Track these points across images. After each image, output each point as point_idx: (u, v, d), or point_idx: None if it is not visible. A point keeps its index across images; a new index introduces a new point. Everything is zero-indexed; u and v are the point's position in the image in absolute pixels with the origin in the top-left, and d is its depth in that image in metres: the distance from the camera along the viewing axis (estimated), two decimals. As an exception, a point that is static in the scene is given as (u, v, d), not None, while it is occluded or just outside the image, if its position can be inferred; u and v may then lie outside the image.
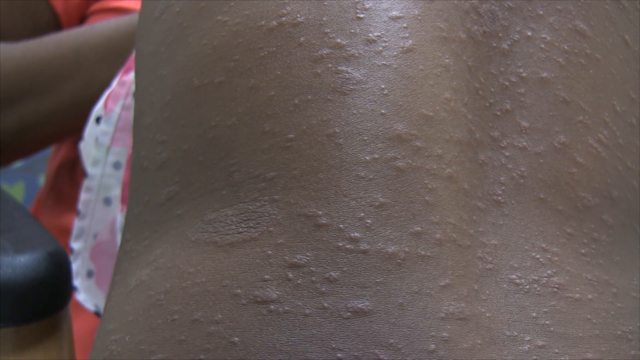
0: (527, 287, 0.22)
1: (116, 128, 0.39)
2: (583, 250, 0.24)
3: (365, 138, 0.21)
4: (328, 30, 0.23)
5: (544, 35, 0.25)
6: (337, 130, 0.21)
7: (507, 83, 0.24)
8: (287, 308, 0.20)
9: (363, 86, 0.22)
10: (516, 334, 0.21)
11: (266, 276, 0.20)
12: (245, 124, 0.22)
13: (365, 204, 0.21)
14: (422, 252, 0.21)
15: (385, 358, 0.19)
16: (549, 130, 0.24)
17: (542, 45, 0.25)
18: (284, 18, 0.23)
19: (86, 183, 0.39)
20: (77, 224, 0.40)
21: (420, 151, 0.22)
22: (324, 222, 0.21)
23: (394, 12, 0.23)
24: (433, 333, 0.20)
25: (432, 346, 0.20)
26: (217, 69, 0.23)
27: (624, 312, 0.24)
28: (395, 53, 0.22)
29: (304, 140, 0.22)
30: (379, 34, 0.23)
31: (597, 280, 0.24)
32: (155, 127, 0.25)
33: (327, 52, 0.22)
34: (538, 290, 0.22)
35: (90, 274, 0.40)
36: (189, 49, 0.24)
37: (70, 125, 0.48)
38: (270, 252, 0.21)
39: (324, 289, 0.20)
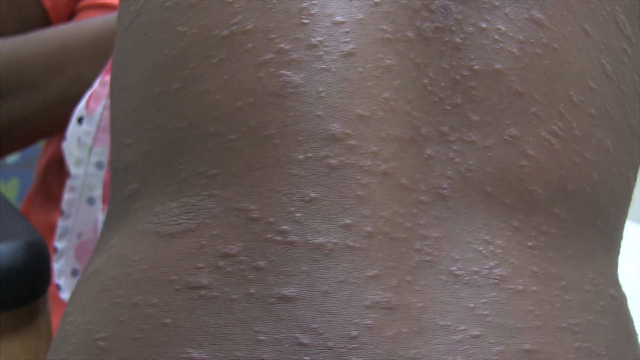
0: (467, 278, 0.23)
1: (98, 128, 0.40)
2: (530, 243, 0.24)
3: (300, 138, 0.22)
4: (274, 36, 0.23)
5: (498, 26, 0.25)
6: (274, 132, 0.22)
7: (458, 77, 0.25)
8: (216, 294, 0.21)
9: (302, 89, 0.23)
10: (450, 323, 0.22)
11: (199, 264, 0.22)
12: (195, 126, 0.24)
13: (296, 199, 0.22)
14: (351, 244, 0.22)
15: (306, 342, 0.20)
16: (499, 124, 0.24)
17: (496, 37, 0.25)
18: (235, 27, 0.24)
19: (69, 183, 0.41)
20: (60, 224, 0.41)
21: (354, 149, 0.22)
22: (256, 215, 0.22)
23: (337, 18, 0.24)
24: (356, 320, 0.21)
25: (355, 332, 0.20)
26: (175, 76, 0.25)
27: (573, 304, 0.24)
28: (335, 57, 0.23)
29: (244, 141, 0.23)
30: (321, 38, 0.23)
31: (543, 273, 0.24)
32: (123, 131, 0.27)
33: (270, 57, 0.23)
34: (478, 282, 0.23)
35: (75, 273, 0.41)
36: (153, 58, 0.26)
37: (57, 122, 0.48)
38: (204, 242, 0.22)
39: (251, 276, 0.21)
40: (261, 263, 0.21)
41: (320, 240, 0.21)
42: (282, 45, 0.23)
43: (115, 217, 0.26)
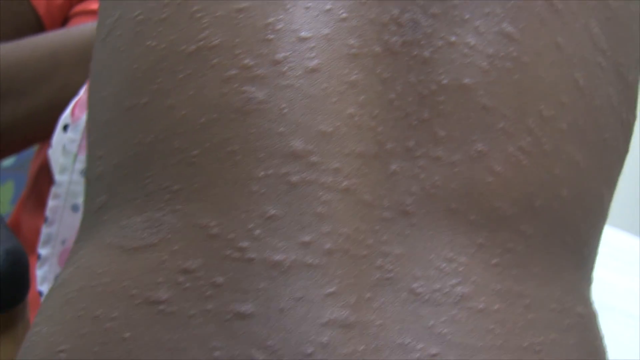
0: (427, 296, 0.22)
1: (83, 136, 0.41)
2: (494, 261, 0.24)
3: (261, 155, 0.22)
4: (239, 51, 0.24)
5: (468, 40, 0.25)
6: (236, 148, 0.23)
7: (425, 92, 0.24)
8: (174, 309, 0.21)
9: (264, 106, 0.23)
10: (408, 341, 0.22)
11: (159, 279, 0.22)
12: (161, 141, 0.24)
13: (255, 216, 0.22)
14: (309, 261, 0.22)
15: (260, 358, 0.20)
16: (466, 139, 0.24)
17: (466, 51, 0.25)
18: (201, 42, 0.24)
19: (54, 190, 0.41)
20: (44, 230, 0.42)
21: (316, 166, 0.22)
22: (216, 232, 0.22)
23: (302, 33, 0.24)
24: (312, 337, 0.21)
25: (310, 350, 0.20)
26: (144, 90, 0.25)
27: (536, 323, 0.24)
28: (299, 73, 0.23)
29: (206, 157, 0.23)
30: (286, 54, 0.23)
31: (506, 291, 0.23)
32: (96, 143, 0.27)
33: (234, 73, 0.23)
34: (439, 300, 0.22)
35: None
36: (124, 72, 0.26)
37: (47, 127, 0.48)
38: (165, 257, 0.22)
39: (209, 292, 0.21)
40: (219, 279, 0.21)
41: (279, 257, 0.21)
42: (247, 61, 0.23)
43: (86, 228, 0.26)
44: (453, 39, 0.25)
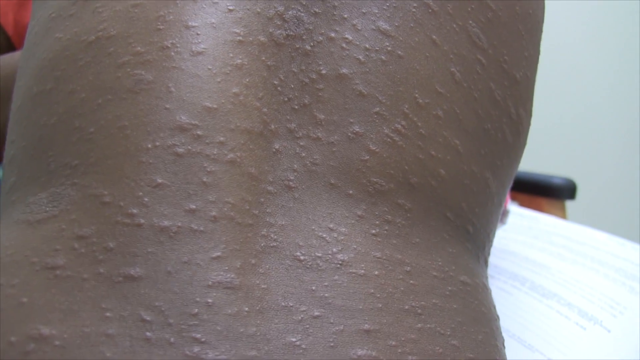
0: (310, 263, 0.24)
1: None
2: (374, 231, 0.25)
3: (149, 129, 0.24)
4: (132, 40, 0.25)
5: (346, 36, 0.27)
6: (127, 123, 0.24)
7: (306, 80, 0.26)
8: (69, 273, 0.22)
9: (153, 85, 0.24)
10: (291, 304, 0.23)
11: (57, 246, 0.23)
12: (63, 122, 0.25)
13: (144, 184, 0.23)
14: (195, 227, 0.23)
15: (148, 318, 0.21)
16: (343, 122, 0.26)
17: (344, 45, 0.27)
18: (100, 33, 0.26)
19: None
20: None
21: (201, 139, 0.24)
22: (108, 200, 0.23)
23: (190, 22, 0.26)
24: (197, 299, 0.21)
25: (195, 310, 0.21)
26: (49, 77, 0.26)
27: (418, 289, 0.25)
28: (185, 57, 0.25)
29: (101, 133, 0.24)
30: (173, 41, 0.25)
31: (387, 259, 0.25)
32: (10, 129, 0.29)
33: (127, 59, 0.25)
34: (321, 266, 0.24)
35: None
36: (35, 63, 0.28)
37: None
38: (64, 226, 0.23)
39: (101, 257, 0.22)
40: (111, 244, 0.22)
41: (166, 223, 0.23)
42: (138, 48, 0.25)
43: (0, 211, 0.27)
44: (332, 34, 0.27)
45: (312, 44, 0.27)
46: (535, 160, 1.46)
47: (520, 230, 0.64)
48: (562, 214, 0.88)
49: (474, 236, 0.29)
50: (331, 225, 0.25)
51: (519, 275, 0.53)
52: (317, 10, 0.27)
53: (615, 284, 0.49)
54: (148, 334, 0.21)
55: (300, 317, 0.22)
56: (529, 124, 0.33)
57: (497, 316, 0.28)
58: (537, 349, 0.42)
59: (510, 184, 0.33)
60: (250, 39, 0.26)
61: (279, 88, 0.26)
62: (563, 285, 0.49)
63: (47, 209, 0.24)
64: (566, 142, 1.54)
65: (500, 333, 0.28)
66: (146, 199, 0.23)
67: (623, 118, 1.51)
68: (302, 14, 0.27)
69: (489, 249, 0.32)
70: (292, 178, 0.25)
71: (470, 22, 0.29)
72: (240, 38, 0.26)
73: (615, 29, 1.49)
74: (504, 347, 0.28)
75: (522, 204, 0.91)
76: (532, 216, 0.69)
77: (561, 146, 1.54)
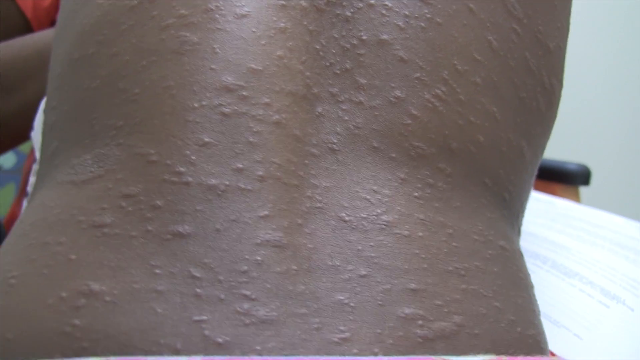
0: (355, 223, 0.24)
1: None
2: (416, 194, 0.25)
3: (195, 89, 0.24)
4: (175, 4, 0.26)
5: (385, 3, 0.27)
6: (172, 84, 0.24)
7: (347, 45, 0.26)
8: (117, 231, 0.22)
9: (198, 47, 0.25)
10: (338, 264, 0.23)
11: (104, 205, 0.23)
12: (106, 84, 0.25)
13: (191, 143, 0.23)
14: (243, 186, 0.23)
15: (198, 275, 0.21)
16: (385, 87, 0.26)
17: (383, 11, 0.27)
18: None
19: (34, 167, 0.43)
20: (25, 205, 0.43)
21: (247, 99, 0.24)
22: (154, 159, 0.23)
23: None
24: (247, 256, 0.22)
25: (245, 267, 0.22)
26: (91, 42, 0.27)
27: (460, 251, 0.25)
28: (230, 19, 0.25)
29: (146, 94, 0.24)
30: (217, 4, 0.25)
31: (429, 221, 0.25)
32: (50, 96, 0.29)
33: (172, 22, 0.25)
34: (366, 227, 0.24)
35: None
36: (75, 29, 0.28)
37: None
38: (110, 185, 0.23)
39: (149, 215, 0.22)
40: (158, 202, 0.23)
41: (213, 181, 0.23)
42: (182, 11, 0.25)
43: (41, 176, 0.28)
44: (372, 1, 0.27)
45: (352, 10, 0.27)
46: (549, 145, 1.46)
47: (537, 213, 0.64)
48: (577, 200, 0.88)
49: (509, 204, 0.29)
50: (375, 188, 0.25)
51: (540, 254, 0.53)
52: None
53: (636, 266, 0.49)
54: (198, 290, 0.21)
55: (347, 276, 0.23)
56: (560, 94, 0.33)
57: (532, 284, 0.29)
58: (563, 324, 0.43)
59: (542, 155, 0.34)
60: (293, 3, 0.26)
61: (320, 53, 0.26)
62: (584, 265, 0.50)
63: (93, 169, 0.24)
64: (580, 128, 1.53)
65: (536, 300, 0.28)
66: (193, 158, 0.23)
67: (638, 104, 1.51)
68: None
69: (522, 219, 0.32)
70: (335, 141, 0.25)
71: None
72: (283, 2, 0.26)
73: (631, 13, 1.49)
74: (540, 315, 0.28)
75: (536, 189, 0.91)
76: (548, 200, 0.69)
77: (575, 132, 1.53)
